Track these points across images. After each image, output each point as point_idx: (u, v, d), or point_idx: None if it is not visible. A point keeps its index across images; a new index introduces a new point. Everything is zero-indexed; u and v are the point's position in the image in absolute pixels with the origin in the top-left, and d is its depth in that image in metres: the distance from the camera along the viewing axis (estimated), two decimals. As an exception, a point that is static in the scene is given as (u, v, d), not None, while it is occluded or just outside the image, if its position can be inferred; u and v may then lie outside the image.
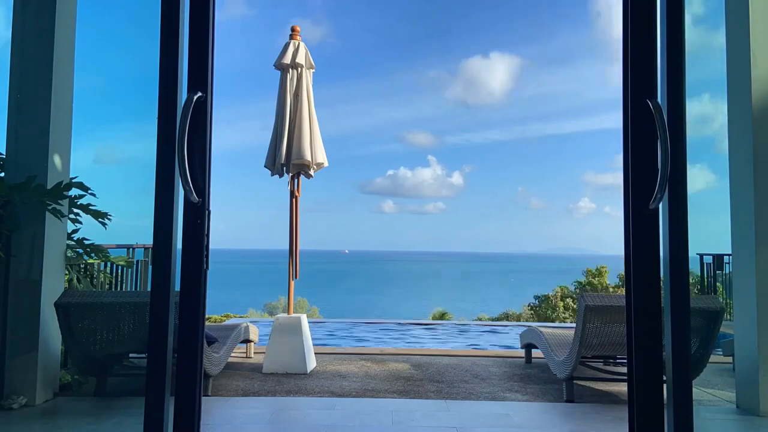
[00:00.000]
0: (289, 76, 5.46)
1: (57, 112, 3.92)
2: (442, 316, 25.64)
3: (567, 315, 23.95)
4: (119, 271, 5.20)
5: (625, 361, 2.79)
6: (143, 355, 3.81)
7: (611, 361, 4.73)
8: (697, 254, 6.75)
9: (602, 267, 26.02)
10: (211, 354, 4.27)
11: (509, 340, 8.87)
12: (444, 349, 7.48)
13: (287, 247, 5.51)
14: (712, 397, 4.32)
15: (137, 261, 5.42)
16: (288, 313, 5.53)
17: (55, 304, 3.82)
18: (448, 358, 5.97)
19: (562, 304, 24.16)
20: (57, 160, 3.94)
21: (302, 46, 5.51)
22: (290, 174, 5.49)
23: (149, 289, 2.32)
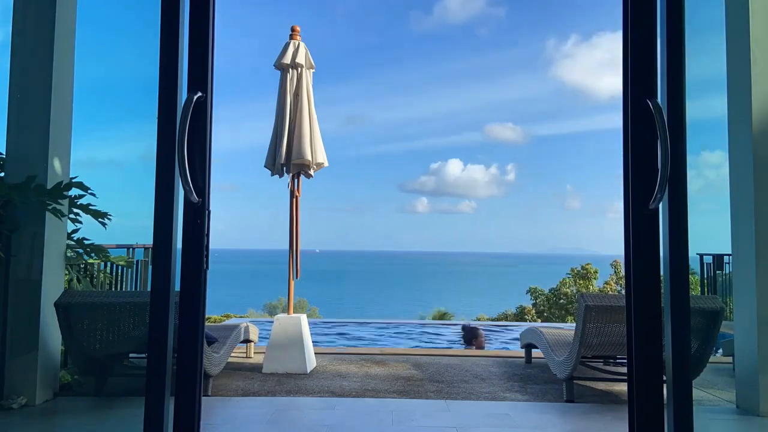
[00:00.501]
0: (289, 76, 5.46)
1: (57, 112, 3.92)
2: (442, 316, 25.64)
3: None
4: (119, 271, 5.20)
5: (625, 361, 2.79)
6: (143, 355, 3.81)
7: (611, 361, 4.73)
8: (697, 254, 6.75)
9: (588, 265, 25.87)
10: (211, 354, 4.27)
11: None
12: (444, 349, 7.48)
13: (286, 247, 5.51)
14: (712, 397, 4.32)
15: (137, 261, 5.41)
16: (288, 313, 5.53)
17: (55, 304, 3.82)
18: (448, 358, 5.97)
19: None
20: (57, 160, 3.94)
21: (302, 46, 5.51)
22: (290, 174, 5.49)
23: (149, 289, 2.32)
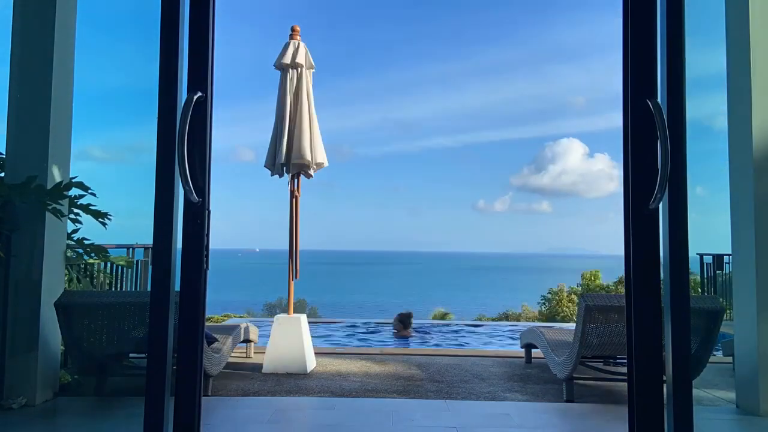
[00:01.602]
0: (289, 76, 5.46)
1: (57, 112, 3.92)
2: (444, 316, 25.61)
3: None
4: (119, 271, 5.20)
5: (625, 361, 2.80)
6: (143, 355, 3.81)
7: (611, 361, 4.73)
8: (697, 254, 6.75)
9: (596, 271, 25.47)
10: (211, 354, 4.27)
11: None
12: (444, 349, 7.48)
13: (287, 247, 5.51)
14: (712, 397, 4.32)
15: (137, 261, 5.42)
16: (288, 313, 5.53)
17: (55, 304, 3.82)
18: (448, 358, 5.97)
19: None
20: (57, 160, 3.94)
21: (302, 46, 5.51)
22: (290, 174, 5.49)
23: (149, 289, 2.32)
